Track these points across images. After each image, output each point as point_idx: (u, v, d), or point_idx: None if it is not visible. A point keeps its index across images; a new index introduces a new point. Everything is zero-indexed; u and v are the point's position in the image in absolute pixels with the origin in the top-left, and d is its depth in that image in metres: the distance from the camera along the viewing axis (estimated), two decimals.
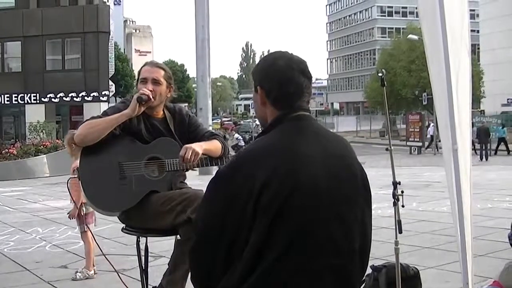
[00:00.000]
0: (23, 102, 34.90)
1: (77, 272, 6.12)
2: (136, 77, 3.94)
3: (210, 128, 18.93)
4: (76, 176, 3.79)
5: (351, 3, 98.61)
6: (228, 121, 58.50)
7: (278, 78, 2.21)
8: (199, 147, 3.62)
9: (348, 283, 2.15)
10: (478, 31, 59.85)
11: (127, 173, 3.65)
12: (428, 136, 32.66)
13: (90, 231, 5.98)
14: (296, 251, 2.04)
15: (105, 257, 4.84)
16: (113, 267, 4.73)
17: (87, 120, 3.73)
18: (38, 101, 34.57)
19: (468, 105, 3.13)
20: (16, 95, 34.87)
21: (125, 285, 4.58)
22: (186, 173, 3.96)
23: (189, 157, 3.54)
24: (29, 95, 34.67)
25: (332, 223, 2.10)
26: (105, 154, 3.68)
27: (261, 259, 2.02)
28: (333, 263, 2.09)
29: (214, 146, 3.77)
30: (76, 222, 6.17)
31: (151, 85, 3.78)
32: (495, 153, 29.52)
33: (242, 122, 58.86)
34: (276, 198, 2.02)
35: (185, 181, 3.96)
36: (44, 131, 29.01)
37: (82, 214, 5.98)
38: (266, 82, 2.24)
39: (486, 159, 26.45)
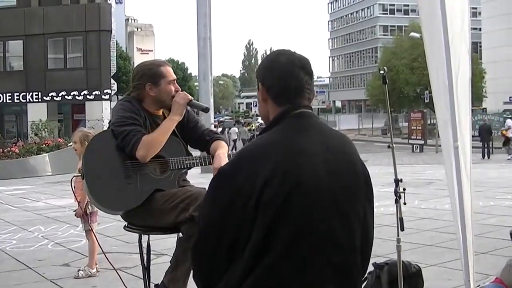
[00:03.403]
0: (25, 100, 34.93)
1: (79, 270, 6.12)
2: (153, 78, 3.78)
3: (212, 127, 18.96)
4: (79, 175, 3.79)
5: (353, 1, 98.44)
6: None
7: (278, 73, 2.22)
8: (224, 156, 3.68)
9: (348, 280, 2.15)
10: (480, 29, 59.79)
11: (131, 172, 3.65)
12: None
13: (93, 229, 5.99)
14: (297, 248, 2.04)
15: (105, 255, 4.85)
16: (112, 266, 4.74)
17: (135, 136, 3.61)
18: (40, 100, 34.60)
19: (468, 103, 3.14)
20: (18, 93, 34.90)
21: (124, 284, 4.60)
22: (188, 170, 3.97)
23: None
24: (31, 93, 34.71)
25: (333, 220, 2.11)
26: (109, 153, 3.67)
27: (262, 257, 2.03)
28: (334, 261, 2.10)
29: (226, 149, 3.84)
30: (80, 220, 6.17)
31: (177, 85, 3.85)
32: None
33: (226, 119, 65.97)
34: (278, 196, 2.02)
35: (188, 179, 3.97)
36: (46, 129, 29.03)
37: (88, 212, 5.99)
38: (266, 78, 2.25)
39: (488, 157, 26.41)
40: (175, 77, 3.87)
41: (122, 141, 3.63)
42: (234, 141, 35.96)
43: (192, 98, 3.84)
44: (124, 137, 3.62)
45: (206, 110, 3.90)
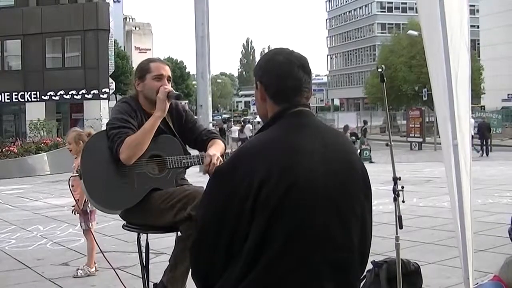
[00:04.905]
0: (23, 100, 34.90)
1: (78, 269, 6.12)
2: (140, 73, 3.83)
3: (211, 125, 18.94)
4: (77, 174, 3.79)
5: None
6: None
7: (276, 72, 2.21)
8: (219, 153, 3.65)
9: (346, 279, 2.15)
10: (478, 27, 59.81)
11: (128, 171, 3.64)
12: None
13: (91, 228, 5.99)
14: (294, 246, 2.03)
15: (103, 255, 4.85)
16: (111, 265, 4.73)
17: (120, 138, 3.58)
18: (38, 99, 34.56)
19: (467, 101, 3.14)
20: (16, 93, 34.87)
21: (122, 283, 4.59)
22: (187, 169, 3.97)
23: (215, 163, 3.54)
24: (29, 93, 34.68)
25: (331, 219, 2.10)
26: (105, 153, 3.66)
27: (260, 256, 2.02)
28: (332, 259, 2.09)
29: (222, 147, 3.82)
30: (79, 219, 6.16)
31: (167, 83, 3.78)
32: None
33: (215, 117, 64.34)
34: (275, 194, 2.01)
35: (186, 177, 3.97)
36: (44, 129, 29.00)
37: (88, 211, 5.98)
38: (265, 77, 2.24)
39: (487, 155, 26.42)
40: (163, 73, 3.77)
41: (110, 144, 3.63)
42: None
43: (171, 90, 3.75)
44: (111, 140, 3.63)
45: (178, 97, 3.81)
